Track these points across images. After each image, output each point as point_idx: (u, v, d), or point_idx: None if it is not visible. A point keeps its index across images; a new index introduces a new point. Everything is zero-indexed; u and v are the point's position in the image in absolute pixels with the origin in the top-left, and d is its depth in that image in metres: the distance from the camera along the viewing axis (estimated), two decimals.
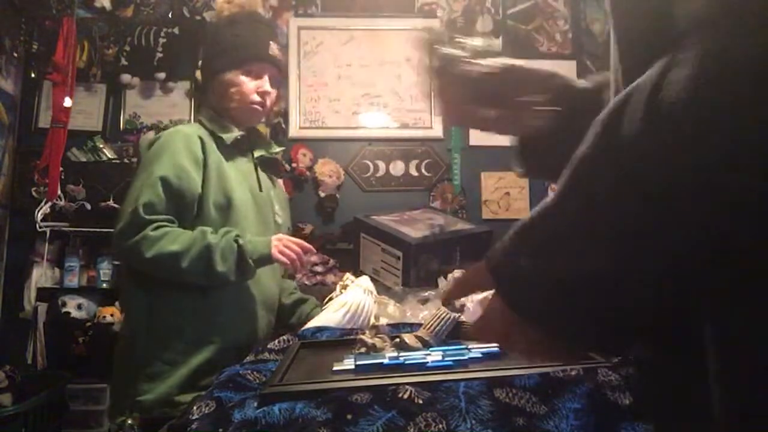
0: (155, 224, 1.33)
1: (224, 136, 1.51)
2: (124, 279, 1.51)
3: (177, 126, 1.59)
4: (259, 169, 1.62)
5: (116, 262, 1.32)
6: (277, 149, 1.71)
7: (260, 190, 1.57)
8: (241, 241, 1.36)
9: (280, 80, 1.72)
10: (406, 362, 0.82)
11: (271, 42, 1.60)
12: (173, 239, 1.32)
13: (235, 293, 1.44)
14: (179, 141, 1.43)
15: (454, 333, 0.93)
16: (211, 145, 1.48)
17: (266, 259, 1.41)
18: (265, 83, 1.58)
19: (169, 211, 1.37)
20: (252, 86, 1.55)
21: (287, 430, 0.67)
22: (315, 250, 1.52)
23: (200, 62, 1.63)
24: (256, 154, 1.63)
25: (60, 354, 2.54)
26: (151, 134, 2.76)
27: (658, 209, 0.38)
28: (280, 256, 1.40)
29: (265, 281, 1.52)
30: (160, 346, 1.36)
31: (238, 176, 1.51)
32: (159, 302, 1.40)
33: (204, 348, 1.36)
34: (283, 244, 1.41)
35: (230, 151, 1.52)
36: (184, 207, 1.40)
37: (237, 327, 1.42)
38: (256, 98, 1.56)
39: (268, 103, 1.60)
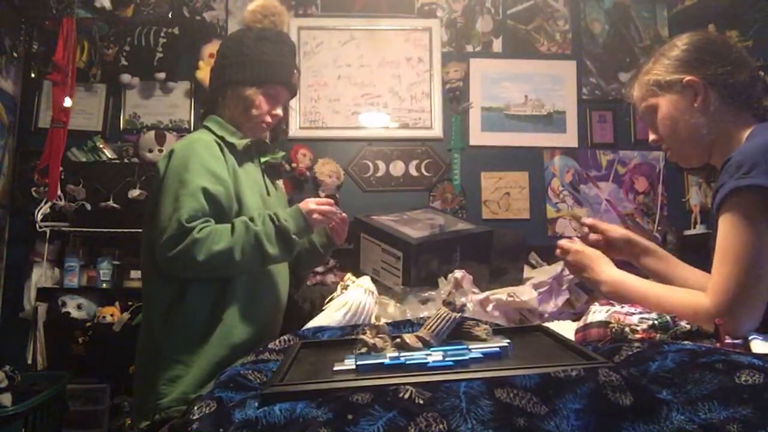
0: (197, 228, 1.33)
1: (236, 142, 1.53)
2: (145, 281, 1.50)
3: (190, 135, 1.58)
4: (265, 174, 1.64)
5: (167, 269, 1.30)
6: (281, 154, 1.74)
7: (268, 194, 1.61)
8: (277, 222, 1.39)
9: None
10: (407, 362, 0.81)
11: (294, 69, 1.64)
12: (218, 237, 1.34)
13: (247, 295, 1.44)
14: (203, 149, 1.44)
15: (454, 333, 0.93)
16: (226, 151, 1.50)
17: (308, 230, 1.46)
18: (279, 108, 1.62)
19: (210, 217, 1.38)
20: (267, 108, 1.59)
21: (288, 430, 0.67)
22: (334, 202, 1.56)
23: (216, 67, 1.61)
24: (262, 159, 1.65)
25: (60, 354, 2.54)
26: (150, 135, 2.77)
27: None
28: (318, 217, 1.45)
29: (277, 282, 1.53)
30: (179, 350, 1.37)
31: (249, 181, 1.53)
32: (176, 307, 1.39)
33: (216, 348, 1.37)
34: (313, 210, 1.45)
35: (241, 157, 1.54)
36: (223, 213, 1.41)
37: (248, 327, 1.42)
38: (268, 119, 1.60)
39: (274, 123, 1.64)
